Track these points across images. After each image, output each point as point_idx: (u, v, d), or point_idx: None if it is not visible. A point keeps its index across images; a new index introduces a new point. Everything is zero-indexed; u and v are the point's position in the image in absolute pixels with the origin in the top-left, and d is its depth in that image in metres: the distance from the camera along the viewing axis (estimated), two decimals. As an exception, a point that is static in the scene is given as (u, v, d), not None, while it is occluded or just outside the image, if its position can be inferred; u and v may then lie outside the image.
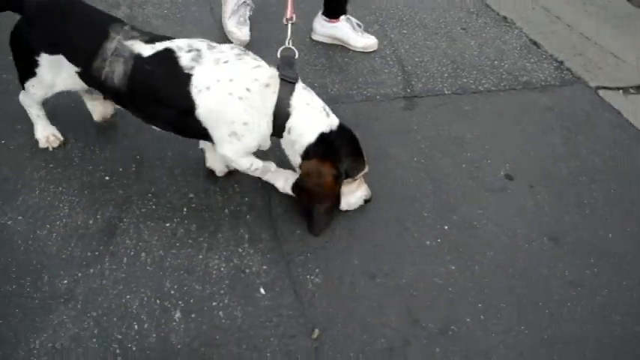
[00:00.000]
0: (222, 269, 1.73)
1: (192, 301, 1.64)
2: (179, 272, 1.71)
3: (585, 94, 2.79)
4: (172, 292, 1.66)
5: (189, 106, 1.61)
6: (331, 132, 1.68)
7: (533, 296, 1.78)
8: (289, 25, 1.83)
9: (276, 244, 1.82)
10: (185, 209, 1.89)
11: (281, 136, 1.71)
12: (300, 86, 1.69)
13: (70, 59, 1.72)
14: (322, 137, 1.67)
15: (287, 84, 1.64)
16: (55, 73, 1.78)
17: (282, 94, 1.63)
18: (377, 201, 1.96)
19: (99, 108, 2.08)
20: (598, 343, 1.66)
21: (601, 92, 2.82)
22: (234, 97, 1.59)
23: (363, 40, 2.79)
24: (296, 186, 1.76)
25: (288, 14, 1.84)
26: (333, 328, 1.62)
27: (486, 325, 1.68)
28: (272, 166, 1.85)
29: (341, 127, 1.72)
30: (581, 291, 1.81)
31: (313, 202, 1.74)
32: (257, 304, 1.66)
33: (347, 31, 2.78)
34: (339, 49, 2.83)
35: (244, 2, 2.75)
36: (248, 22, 2.78)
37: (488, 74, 2.79)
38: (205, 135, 1.70)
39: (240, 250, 1.79)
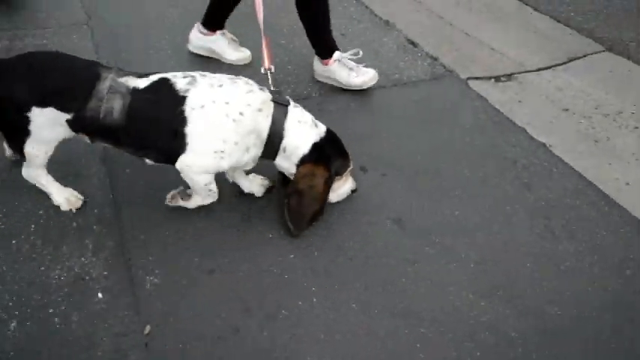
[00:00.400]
0: (62, 278, 1.79)
1: (28, 310, 1.70)
2: (19, 285, 1.77)
3: (455, 85, 2.94)
4: (10, 303, 1.72)
5: (181, 122, 1.71)
6: (321, 139, 1.85)
7: (372, 275, 1.87)
8: (268, 74, 2.07)
9: (119, 250, 1.89)
10: (33, 226, 1.96)
11: (273, 158, 1.86)
12: (291, 107, 1.83)
13: (61, 108, 1.72)
14: (314, 146, 1.84)
15: (280, 107, 1.80)
16: (48, 128, 1.77)
17: (276, 117, 1.78)
18: (221, 198, 2.05)
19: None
20: (433, 316, 1.76)
21: (471, 82, 2.97)
22: (229, 118, 1.71)
23: (236, 54, 2.90)
24: (290, 189, 1.88)
25: (267, 64, 2.07)
26: (166, 323, 1.69)
27: (320, 307, 1.76)
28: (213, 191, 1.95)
29: (328, 132, 1.89)
30: (417, 267, 1.91)
31: (303, 204, 1.86)
32: (94, 307, 1.72)
33: (222, 45, 2.89)
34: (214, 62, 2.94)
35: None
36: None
37: (360, 75, 2.92)
38: (177, 154, 1.77)
39: (83, 259, 1.86)
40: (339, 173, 1.93)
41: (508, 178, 2.31)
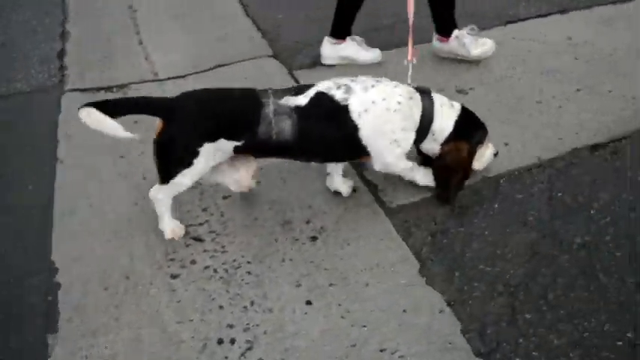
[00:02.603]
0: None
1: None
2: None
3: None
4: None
5: (353, 130, 1.88)
6: (459, 117, 2.02)
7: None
8: (410, 65, 2.29)
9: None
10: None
11: (421, 141, 2.03)
12: (434, 93, 2.02)
13: (231, 138, 1.83)
14: (455, 124, 2.01)
15: (425, 95, 1.99)
16: (209, 158, 1.86)
17: (425, 104, 1.97)
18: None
19: (242, 175, 2.09)
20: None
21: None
22: (390, 110, 1.89)
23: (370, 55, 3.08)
24: (436, 164, 2.06)
25: (409, 57, 2.29)
26: None
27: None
28: (414, 164, 2.11)
29: (462, 109, 2.04)
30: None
31: (450, 176, 2.03)
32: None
33: (354, 50, 3.07)
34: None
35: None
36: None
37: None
38: (360, 154, 1.97)
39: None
40: (480, 142, 2.09)
41: None
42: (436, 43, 3.05)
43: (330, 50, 3.08)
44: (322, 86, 1.91)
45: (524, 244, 1.92)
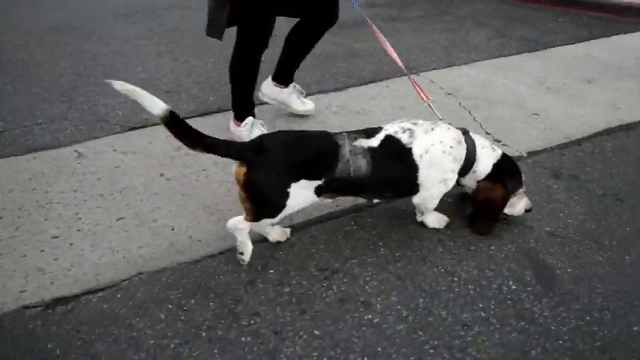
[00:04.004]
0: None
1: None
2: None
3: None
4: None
5: (414, 170, 2.05)
6: (498, 161, 2.19)
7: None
8: (431, 105, 2.36)
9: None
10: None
11: (463, 177, 2.19)
12: (472, 134, 2.18)
13: (312, 177, 1.95)
14: (494, 167, 2.18)
15: (468, 137, 2.15)
16: (294, 199, 1.95)
17: (469, 146, 2.13)
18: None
19: (279, 230, 2.23)
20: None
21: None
22: (445, 153, 2.06)
23: (304, 107, 3.22)
24: (474, 199, 2.24)
25: (425, 98, 2.39)
26: None
27: None
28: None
29: (504, 156, 2.22)
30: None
31: (483, 210, 2.22)
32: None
33: (292, 98, 3.18)
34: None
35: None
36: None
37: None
38: (415, 191, 2.13)
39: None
40: (512, 191, 2.23)
41: None
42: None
43: (271, 90, 3.16)
44: (390, 129, 2.08)
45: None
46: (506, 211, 2.25)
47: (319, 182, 1.97)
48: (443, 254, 2.11)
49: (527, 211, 2.28)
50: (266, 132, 2.83)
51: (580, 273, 2.00)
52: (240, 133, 2.91)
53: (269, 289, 1.94)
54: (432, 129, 2.08)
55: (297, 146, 1.97)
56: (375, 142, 2.03)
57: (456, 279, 1.98)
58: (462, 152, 2.11)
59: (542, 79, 3.78)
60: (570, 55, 4.28)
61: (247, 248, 2.06)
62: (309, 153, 1.97)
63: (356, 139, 2.02)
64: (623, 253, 2.10)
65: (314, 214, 2.31)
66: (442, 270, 2.02)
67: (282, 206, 1.94)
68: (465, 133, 2.15)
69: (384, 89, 3.63)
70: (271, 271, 2.03)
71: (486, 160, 2.16)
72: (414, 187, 2.11)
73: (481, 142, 2.17)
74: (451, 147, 2.06)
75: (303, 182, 1.94)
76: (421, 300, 1.89)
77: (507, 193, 2.19)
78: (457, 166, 2.11)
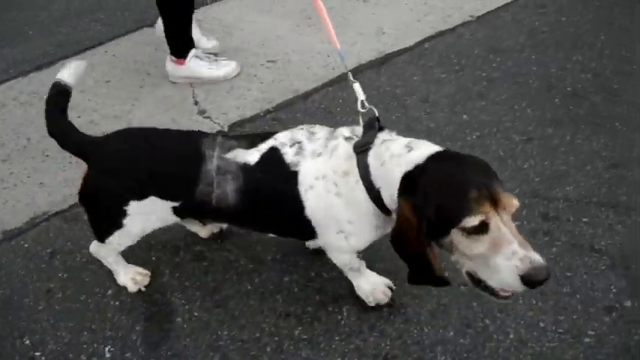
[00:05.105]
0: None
1: None
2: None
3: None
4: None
5: (299, 208, 1.41)
6: (411, 170, 1.32)
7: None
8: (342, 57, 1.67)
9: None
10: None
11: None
12: (383, 139, 1.37)
13: (164, 197, 1.49)
14: (402, 179, 1.32)
15: (361, 156, 1.35)
16: (146, 219, 1.55)
17: (362, 172, 1.35)
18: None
19: (206, 227, 1.89)
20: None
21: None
22: (331, 194, 1.38)
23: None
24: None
25: (336, 43, 1.66)
26: None
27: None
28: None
29: (431, 158, 1.35)
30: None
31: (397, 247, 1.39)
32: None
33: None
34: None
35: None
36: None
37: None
38: (308, 234, 1.51)
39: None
40: (445, 218, 1.23)
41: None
42: (170, 64, 2.69)
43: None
44: (277, 141, 1.46)
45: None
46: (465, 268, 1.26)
47: (174, 204, 1.50)
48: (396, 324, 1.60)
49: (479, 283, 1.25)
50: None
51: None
52: (194, 70, 2.64)
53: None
54: (320, 153, 1.39)
55: (149, 151, 1.48)
56: (253, 156, 1.43)
57: None
58: (354, 187, 1.35)
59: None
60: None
61: (120, 278, 1.75)
62: (163, 163, 1.47)
63: (231, 148, 1.45)
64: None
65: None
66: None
67: (118, 225, 1.54)
68: (362, 146, 1.35)
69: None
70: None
71: (393, 175, 1.28)
72: (307, 230, 1.45)
73: (388, 152, 1.32)
74: (335, 184, 1.36)
75: (152, 200, 1.49)
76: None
77: (417, 218, 1.20)
78: (357, 211, 1.37)
